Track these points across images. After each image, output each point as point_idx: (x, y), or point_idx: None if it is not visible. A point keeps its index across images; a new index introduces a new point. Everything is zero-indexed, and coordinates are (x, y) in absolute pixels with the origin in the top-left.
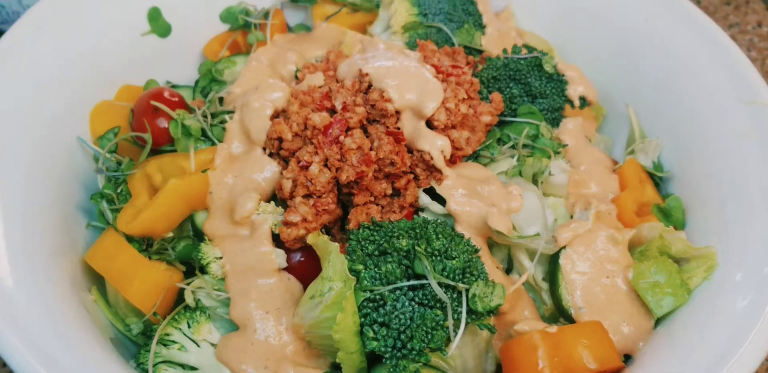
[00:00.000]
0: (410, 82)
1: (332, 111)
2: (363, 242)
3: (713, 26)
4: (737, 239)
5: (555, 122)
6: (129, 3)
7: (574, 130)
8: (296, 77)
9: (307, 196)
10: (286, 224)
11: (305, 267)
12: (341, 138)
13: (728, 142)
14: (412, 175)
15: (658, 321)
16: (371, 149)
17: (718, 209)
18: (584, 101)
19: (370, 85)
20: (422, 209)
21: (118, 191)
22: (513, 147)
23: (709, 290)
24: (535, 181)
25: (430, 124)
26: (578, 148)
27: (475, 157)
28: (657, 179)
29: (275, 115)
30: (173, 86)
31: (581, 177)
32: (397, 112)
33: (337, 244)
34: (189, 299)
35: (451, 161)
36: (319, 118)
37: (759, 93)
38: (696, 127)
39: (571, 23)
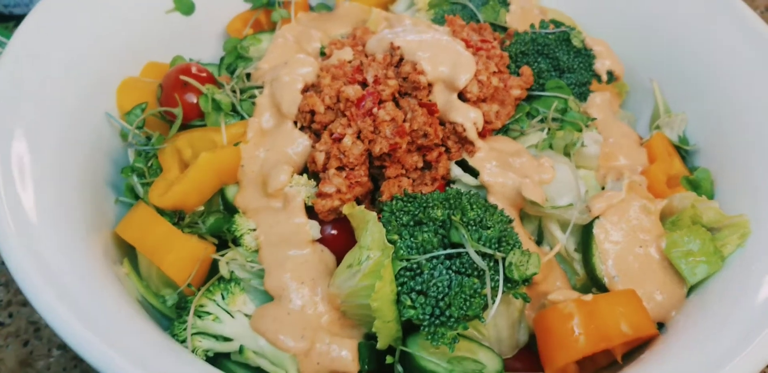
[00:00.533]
0: (442, 55)
1: (363, 84)
2: (397, 213)
3: (741, 4)
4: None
5: (582, 97)
6: None
7: (601, 105)
8: (322, 53)
9: (340, 168)
10: (320, 195)
11: (338, 239)
12: (374, 110)
13: (757, 113)
14: (443, 148)
15: (692, 289)
16: (404, 121)
17: (746, 178)
18: (611, 76)
19: (401, 59)
20: (454, 182)
21: (149, 165)
22: (542, 121)
23: (742, 257)
24: (566, 154)
25: (462, 96)
26: (606, 121)
27: (504, 131)
28: (683, 153)
29: (305, 90)
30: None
31: (611, 150)
32: (429, 85)
33: (374, 213)
34: (224, 271)
35: (481, 135)
36: (353, 91)
37: None
38: (723, 99)
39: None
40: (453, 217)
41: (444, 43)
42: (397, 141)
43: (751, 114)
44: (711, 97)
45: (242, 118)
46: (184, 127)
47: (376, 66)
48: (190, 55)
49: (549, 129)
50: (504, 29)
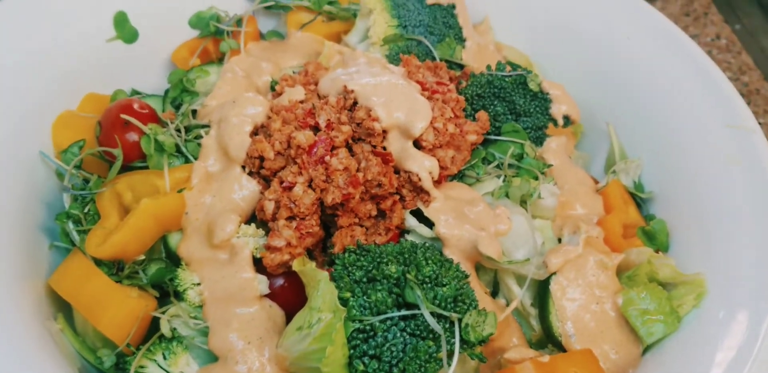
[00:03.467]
0: (398, 101)
1: (315, 129)
2: (350, 268)
3: (696, 49)
4: (724, 265)
5: (539, 141)
6: (93, 7)
7: (557, 150)
8: (272, 89)
9: (291, 218)
10: (270, 248)
11: (288, 292)
12: (327, 158)
13: (712, 166)
14: (398, 197)
15: (647, 348)
16: (358, 170)
17: (702, 230)
18: (568, 120)
19: (355, 103)
20: (408, 232)
21: (86, 210)
22: (498, 166)
23: (699, 318)
24: (523, 204)
25: (417, 144)
26: (562, 168)
27: (460, 176)
28: (639, 200)
29: (255, 131)
30: (141, 96)
31: (567, 198)
32: (384, 132)
33: (326, 272)
34: (165, 329)
35: (437, 181)
36: (304, 137)
37: (743, 117)
38: (678, 148)
39: (549, 38)
40: (408, 274)
41: (400, 88)
42: (350, 191)
43: (705, 163)
44: (666, 143)
45: (187, 159)
46: (125, 168)
47: (329, 110)
48: (132, 85)
49: (505, 176)
50: (460, 67)
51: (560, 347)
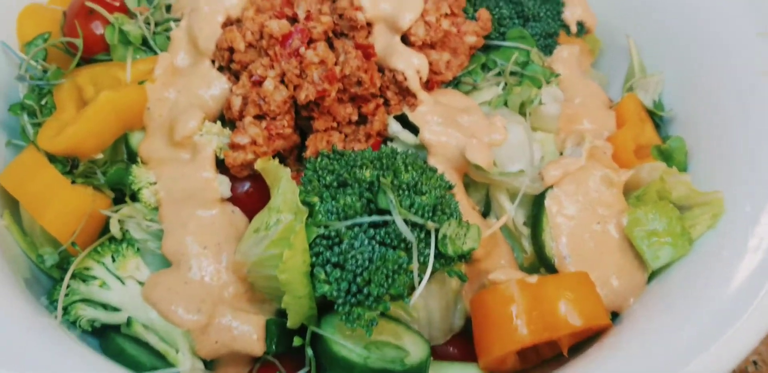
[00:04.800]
0: None
1: (294, 20)
2: (320, 172)
3: None
4: (746, 184)
5: (548, 49)
6: None
7: (568, 59)
8: None
9: (259, 117)
10: (233, 146)
11: (253, 199)
12: (302, 50)
13: (742, 80)
14: (381, 100)
15: (653, 275)
16: (336, 64)
17: (724, 152)
18: (582, 28)
19: None
20: (391, 139)
21: (43, 102)
22: (499, 74)
23: (713, 240)
24: (522, 113)
25: (406, 39)
26: (572, 79)
27: (455, 84)
28: (657, 120)
29: (228, 24)
30: None
31: (574, 111)
32: (369, 25)
33: (288, 169)
34: (114, 229)
35: (428, 87)
36: (278, 26)
37: None
38: (704, 62)
39: None
40: (382, 178)
41: None
42: (325, 87)
43: (733, 77)
44: (690, 57)
45: (155, 54)
46: (91, 61)
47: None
48: None
49: (506, 84)
50: None
51: (553, 271)
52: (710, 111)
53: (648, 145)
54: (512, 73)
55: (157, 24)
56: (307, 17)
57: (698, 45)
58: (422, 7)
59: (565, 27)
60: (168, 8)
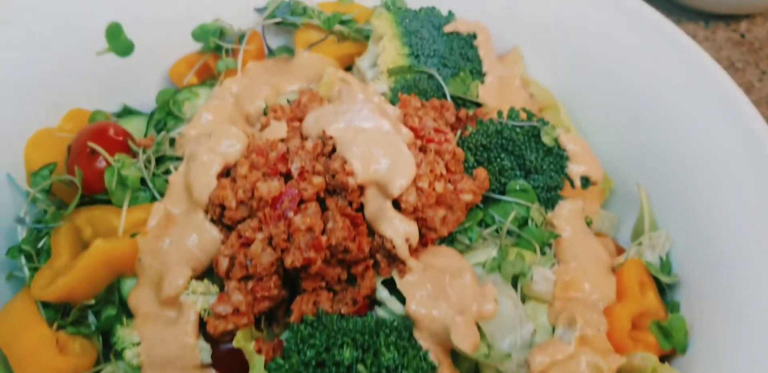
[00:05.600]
0: (379, 152)
1: (287, 176)
2: (301, 345)
3: (750, 108)
4: None
5: (550, 203)
6: (84, 15)
7: (570, 217)
8: (265, 114)
9: (246, 277)
10: (215, 314)
11: (234, 361)
12: (290, 214)
13: (756, 255)
14: (371, 261)
15: None
16: (324, 232)
17: (732, 333)
18: (587, 181)
19: (334, 149)
20: (379, 303)
21: (40, 244)
22: (497, 231)
23: None
24: (514, 284)
25: (397, 204)
26: (574, 239)
27: (450, 240)
28: (663, 285)
29: (225, 172)
30: (129, 112)
31: (572, 277)
32: (361, 187)
33: (262, 358)
34: None
35: (422, 243)
36: (267, 189)
37: None
38: (716, 227)
39: (584, 75)
40: (361, 364)
41: (384, 138)
42: (311, 256)
43: (747, 250)
44: (702, 219)
45: (154, 197)
46: (92, 200)
47: (304, 155)
48: (126, 99)
49: (501, 246)
50: (477, 104)
51: None
52: (720, 281)
53: (650, 313)
54: (509, 232)
55: (159, 160)
56: (300, 175)
57: (711, 207)
58: (414, 173)
59: (570, 180)
60: (172, 142)
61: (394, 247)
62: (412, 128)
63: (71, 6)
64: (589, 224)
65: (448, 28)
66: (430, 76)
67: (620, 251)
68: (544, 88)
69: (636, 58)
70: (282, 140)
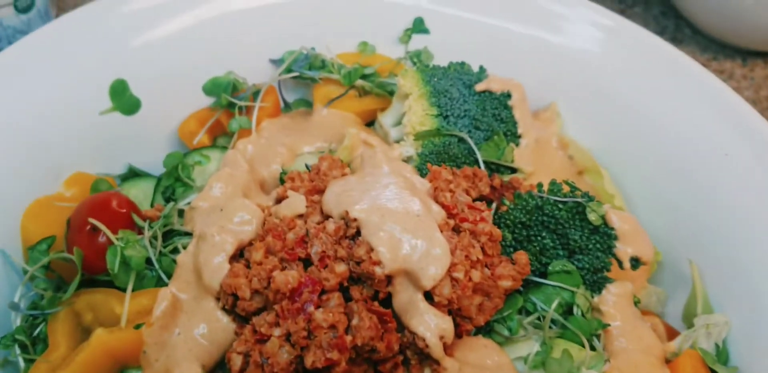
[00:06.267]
0: (408, 238)
1: (306, 261)
2: None
3: None
4: None
5: (596, 286)
6: (86, 72)
7: (619, 303)
8: (281, 181)
9: None
10: None
11: None
12: (310, 309)
13: None
14: (401, 357)
15: None
16: (347, 330)
17: None
18: (637, 263)
19: (359, 232)
20: None
21: (36, 332)
22: (538, 320)
23: None
24: None
25: (430, 294)
26: (624, 328)
27: (488, 330)
28: None
29: (239, 252)
30: (134, 174)
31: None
32: (389, 276)
33: None
34: None
35: (456, 334)
36: (284, 279)
37: None
38: None
39: (628, 136)
40: None
41: (415, 222)
42: (333, 357)
43: None
44: (762, 299)
45: (160, 278)
46: (93, 280)
47: (326, 239)
48: (132, 159)
49: (545, 338)
50: (511, 170)
51: None
52: None
53: None
54: (553, 322)
55: (166, 235)
56: (321, 260)
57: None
58: (449, 262)
59: (618, 261)
60: (181, 213)
61: (427, 346)
62: (443, 205)
63: (71, 62)
64: (636, 303)
65: (479, 87)
66: (461, 140)
67: (669, 331)
68: (583, 149)
69: (684, 114)
70: (300, 216)
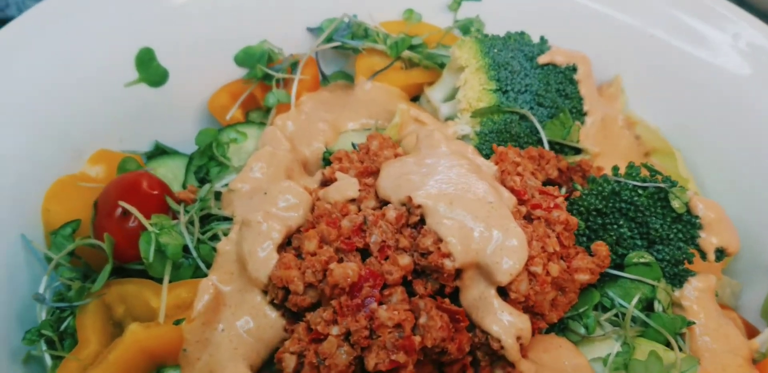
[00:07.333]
0: (480, 227)
1: (364, 251)
2: None
3: None
4: None
5: (677, 279)
6: (110, 40)
7: (702, 298)
8: (324, 161)
9: None
10: None
11: None
12: (373, 306)
13: None
14: (470, 358)
15: None
16: (414, 329)
17: None
18: (722, 254)
19: (422, 219)
20: None
21: (63, 326)
22: (617, 316)
23: None
24: None
25: (503, 290)
26: (708, 326)
27: (561, 328)
28: None
29: (287, 239)
30: (162, 152)
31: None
32: (458, 270)
33: None
34: None
35: None
36: (343, 273)
37: None
38: None
39: (703, 114)
40: None
41: (487, 210)
42: (400, 360)
43: None
44: None
45: (198, 267)
46: (122, 268)
47: (386, 227)
48: (158, 135)
49: (626, 337)
50: (574, 151)
51: None
52: None
53: None
54: (633, 319)
55: (204, 220)
56: (381, 250)
57: None
58: (526, 255)
59: (701, 252)
60: (217, 196)
61: (502, 347)
62: (513, 190)
63: (91, 30)
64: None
65: (542, 59)
66: (522, 117)
67: (747, 327)
68: (652, 128)
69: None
70: (352, 201)
